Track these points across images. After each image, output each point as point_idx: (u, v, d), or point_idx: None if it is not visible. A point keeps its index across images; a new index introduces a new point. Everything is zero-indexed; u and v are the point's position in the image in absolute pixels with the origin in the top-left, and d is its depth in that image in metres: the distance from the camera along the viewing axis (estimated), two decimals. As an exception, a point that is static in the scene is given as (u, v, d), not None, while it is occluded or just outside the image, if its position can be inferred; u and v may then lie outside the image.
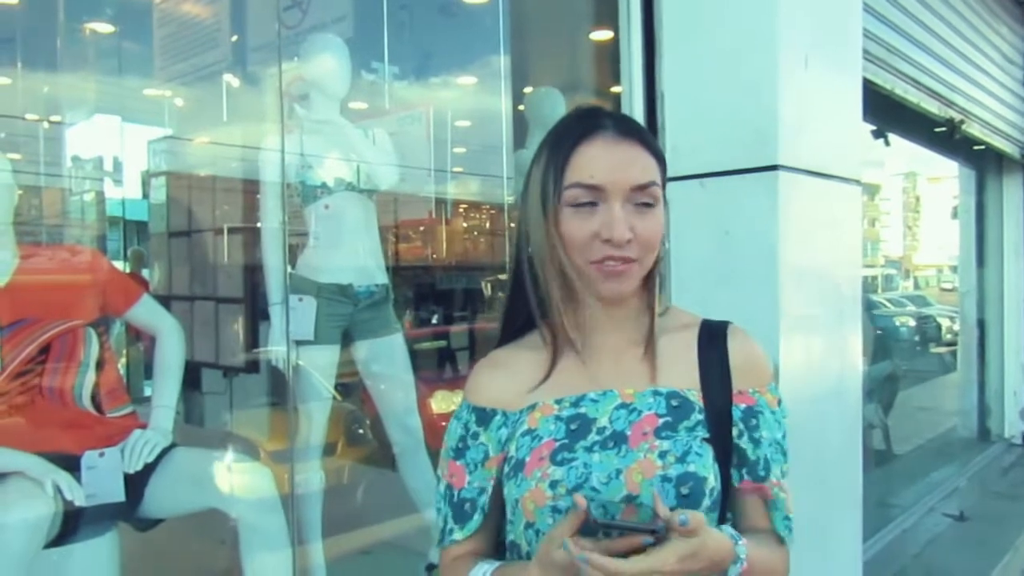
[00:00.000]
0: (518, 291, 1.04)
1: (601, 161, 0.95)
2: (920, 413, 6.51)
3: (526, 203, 1.01)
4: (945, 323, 8.17)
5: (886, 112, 3.68)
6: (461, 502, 1.01)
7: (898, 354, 6.12)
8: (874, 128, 4.09)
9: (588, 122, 0.98)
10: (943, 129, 4.39)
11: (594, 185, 0.94)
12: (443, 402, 3.24)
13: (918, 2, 3.58)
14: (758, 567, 0.93)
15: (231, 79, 3.14)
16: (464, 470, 1.01)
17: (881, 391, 5.26)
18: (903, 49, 3.42)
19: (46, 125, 3.17)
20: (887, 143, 4.25)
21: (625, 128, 0.98)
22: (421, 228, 4.56)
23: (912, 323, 8.18)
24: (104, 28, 3.31)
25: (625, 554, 0.83)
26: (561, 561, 0.83)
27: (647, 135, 1.01)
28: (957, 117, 4.37)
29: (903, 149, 5.14)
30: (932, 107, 4.03)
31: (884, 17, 3.16)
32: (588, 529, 0.82)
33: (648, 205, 0.96)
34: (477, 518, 1.00)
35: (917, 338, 7.76)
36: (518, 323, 1.07)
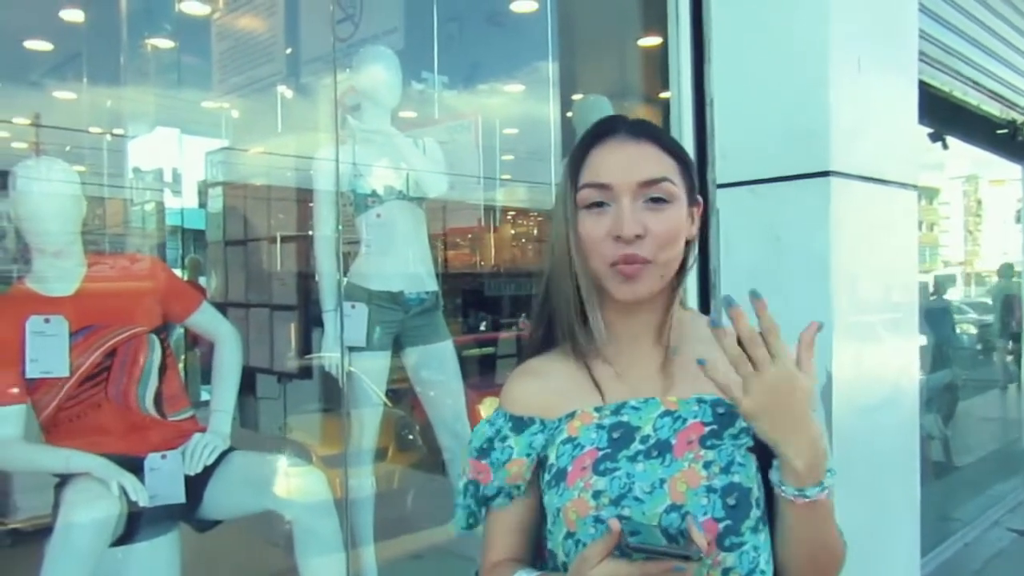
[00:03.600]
0: (549, 299, 1.04)
1: (609, 160, 0.97)
2: (982, 424, 6.32)
3: (554, 212, 1.03)
4: (1009, 330, 7.90)
5: (944, 114, 3.59)
6: (484, 498, 1.02)
7: (958, 362, 5.94)
8: (931, 131, 4.00)
9: (602, 128, 1.00)
10: (1005, 131, 4.27)
11: (602, 184, 0.95)
12: (492, 408, 3.25)
13: (977, 1, 3.49)
14: (829, 523, 0.93)
15: (285, 91, 3.21)
16: (489, 468, 1.01)
17: (940, 401, 5.12)
18: (961, 50, 3.33)
19: (109, 138, 3.29)
20: (945, 146, 4.14)
21: (638, 130, 0.99)
22: (470, 235, 4.59)
23: (973, 330, 7.94)
24: (165, 44, 3.42)
25: None
26: None
27: (663, 136, 1.01)
28: (1020, 119, 4.25)
29: (963, 152, 5.00)
30: (993, 109, 3.92)
31: (941, 17, 3.08)
32: (622, 551, 0.82)
33: (662, 201, 0.96)
34: (502, 500, 1.01)
35: (979, 346, 7.52)
36: (551, 331, 1.06)
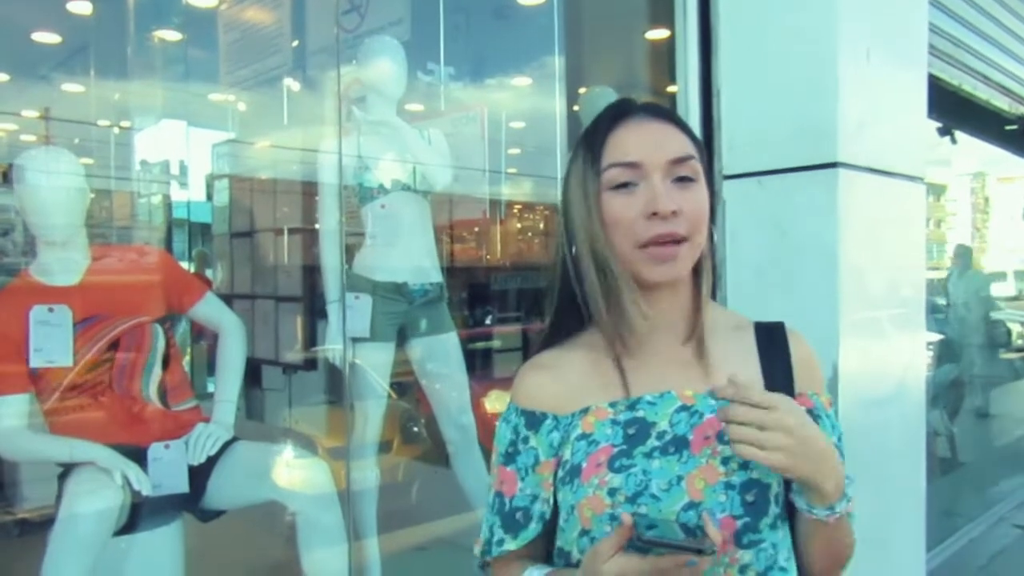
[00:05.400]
0: (561, 293, 1.02)
1: (635, 139, 0.95)
2: (989, 420, 6.29)
3: (567, 199, 1.00)
4: (1015, 328, 7.86)
5: (953, 109, 3.57)
6: (512, 511, 0.98)
7: (965, 359, 5.92)
8: (940, 126, 3.98)
9: (619, 109, 0.99)
10: (1014, 127, 4.24)
11: (631, 162, 0.94)
12: (497, 401, 3.24)
13: (988, -5, 3.46)
14: (845, 529, 0.93)
15: (291, 83, 3.21)
16: (516, 476, 0.98)
17: (946, 397, 5.09)
18: (971, 44, 3.31)
19: (116, 131, 3.30)
20: (954, 141, 4.13)
21: (655, 110, 0.99)
22: (475, 228, 4.58)
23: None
24: (172, 36, 3.42)
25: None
26: (607, 574, 0.81)
27: (679, 117, 1.01)
28: (1029, 114, 4.22)
29: (971, 147, 4.97)
30: (1002, 104, 3.89)
31: (951, 11, 3.06)
32: (634, 545, 0.81)
33: (690, 179, 0.95)
34: (534, 527, 0.97)
35: (985, 343, 7.49)
36: (562, 325, 1.04)
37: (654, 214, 0.92)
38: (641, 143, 0.94)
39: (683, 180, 0.94)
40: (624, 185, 0.94)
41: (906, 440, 2.21)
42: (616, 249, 0.94)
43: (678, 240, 0.93)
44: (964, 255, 6.73)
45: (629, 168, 0.94)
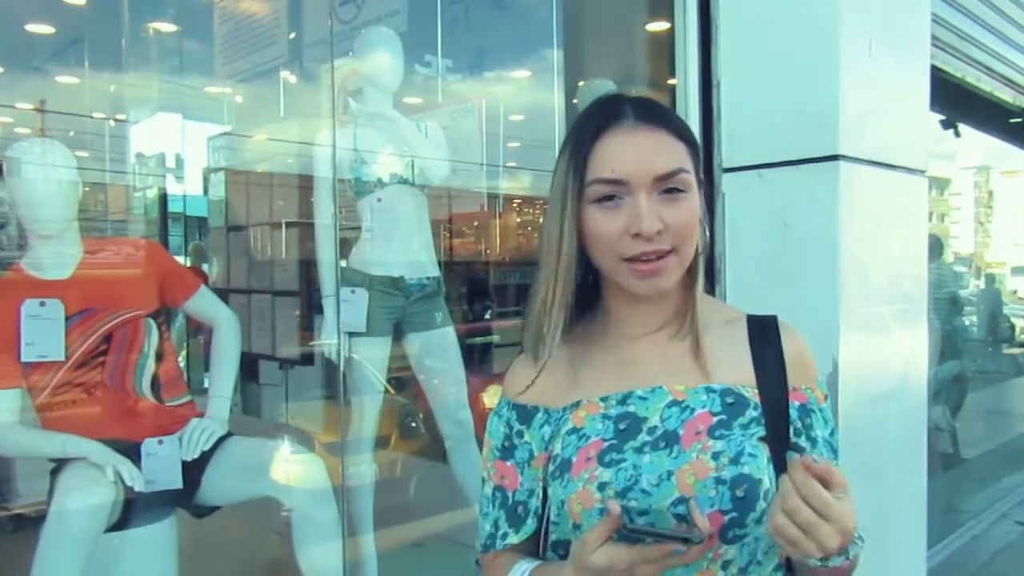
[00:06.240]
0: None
1: (621, 153, 0.91)
2: (991, 416, 6.28)
3: (550, 200, 0.98)
4: (1019, 323, 7.85)
5: (957, 101, 3.54)
6: (515, 505, 0.98)
7: (967, 354, 5.89)
8: (943, 118, 3.95)
9: (607, 112, 0.94)
10: (1019, 119, 4.21)
11: (615, 180, 0.91)
12: (494, 397, 3.23)
13: (991, -14, 3.42)
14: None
15: (288, 76, 3.18)
16: (516, 471, 0.99)
17: (948, 393, 5.07)
18: (975, 35, 3.27)
19: (112, 123, 3.28)
20: (957, 134, 4.10)
21: (646, 114, 0.94)
22: (474, 223, 4.56)
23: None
24: (167, 28, 3.40)
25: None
26: (595, 564, 0.81)
27: (671, 118, 0.96)
28: (1034, 106, 4.19)
29: (975, 141, 4.94)
30: (1006, 96, 3.85)
31: (954, 1, 3.03)
32: (622, 535, 0.80)
33: (678, 191, 0.92)
34: (531, 523, 0.98)
35: (988, 338, 7.48)
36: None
37: (637, 234, 0.90)
38: (628, 157, 0.91)
39: (671, 191, 0.92)
40: (609, 197, 0.92)
41: (907, 435, 2.19)
42: (600, 261, 0.94)
43: (663, 254, 0.91)
44: (934, 246, 6.58)
45: (613, 184, 0.91)
